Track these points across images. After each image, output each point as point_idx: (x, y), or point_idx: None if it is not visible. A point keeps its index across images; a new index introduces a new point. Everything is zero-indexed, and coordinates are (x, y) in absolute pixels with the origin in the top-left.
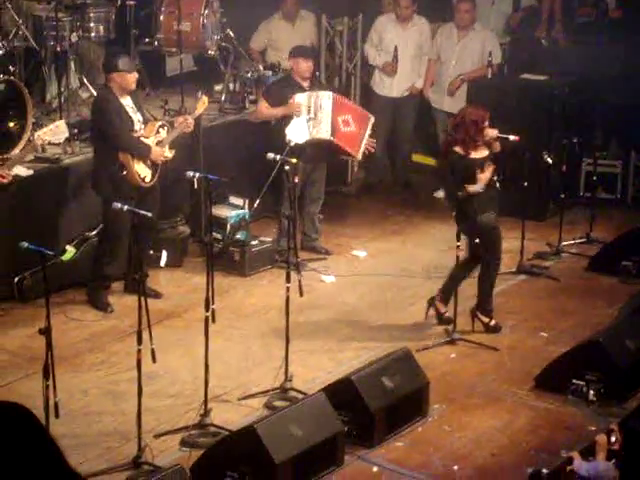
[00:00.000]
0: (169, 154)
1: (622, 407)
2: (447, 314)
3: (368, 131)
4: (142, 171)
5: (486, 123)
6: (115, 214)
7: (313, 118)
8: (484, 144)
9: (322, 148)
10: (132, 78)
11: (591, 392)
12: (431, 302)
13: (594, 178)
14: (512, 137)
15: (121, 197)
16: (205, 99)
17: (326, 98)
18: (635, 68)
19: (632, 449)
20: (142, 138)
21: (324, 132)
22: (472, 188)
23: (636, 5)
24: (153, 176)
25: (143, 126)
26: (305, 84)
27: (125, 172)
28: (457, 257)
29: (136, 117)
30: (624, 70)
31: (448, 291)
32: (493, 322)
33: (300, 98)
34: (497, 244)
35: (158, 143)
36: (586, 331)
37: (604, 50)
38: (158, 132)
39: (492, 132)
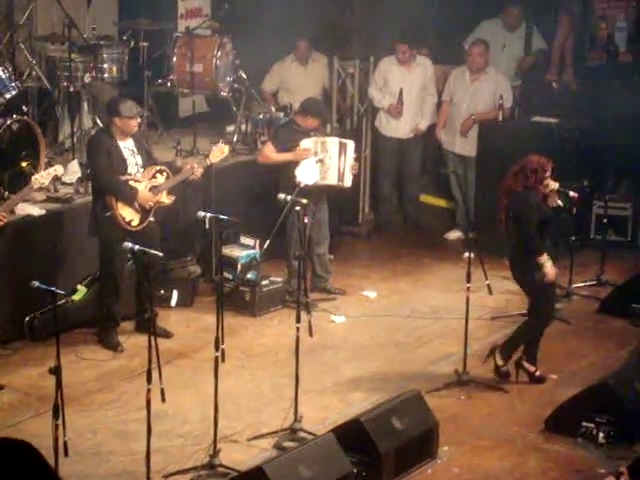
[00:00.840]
0: (166, 200)
1: (632, 450)
2: (504, 368)
3: (349, 157)
4: (127, 215)
5: (547, 173)
6: (106, 254)
7: (321, 162)
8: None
9: (321, 188)
10: (133, 123)
11: (601, 435)
12: (492, 353)
13: (604, 220)
14: (572, 193)
15: (108, 238)
16: (225, 148)
17: (333, 144)
18: None
19: None
20: (133, 182)
21: (332, 178)
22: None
23: None
24: (142, 220)
25: (141, 170)
26: (311, 132)
27: (109, 214)
28: (467, 298)
29: (134, 160)
30: (634, 113)
31: (510, 347)
32: (538, 372)
33: (307, 143)
34: (552, 299)
35: (152, 188)
36: (596, 374)
37: (615, 93)
38: (155, 177)
39: (553, 184)
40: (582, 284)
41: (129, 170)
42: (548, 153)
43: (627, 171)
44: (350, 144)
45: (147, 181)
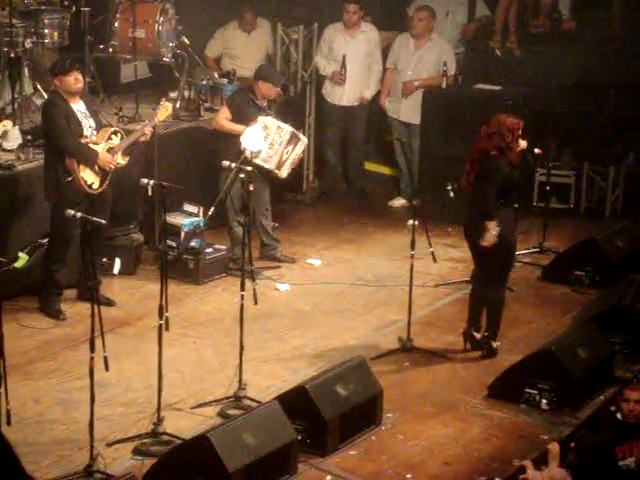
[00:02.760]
0: (122, 161)
1: (574, 416)
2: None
3: (296, 152)
4: (89, 177)
5: (520, 131)
6: (61, 220)
7: (268, 145)
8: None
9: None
10: (71, 79)
11: (544, 401)
12: (467, 335)
13: (547, 188)
14: (537, 150)
15: (68, 203)
16: (169, 106)
17: (284, 132)
18: (587, 79)
19: (584, 460)
20: (91, 144)
21: (272, 164)
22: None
23: (589, 16)
24: (102, 183)
25: (95, 132)
26: (263, 103)
27: (71, 178)
28: (411, 266)
29: (87, 123)
30: (577, 81)
31: (475, 317)
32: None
33: (266, 120)
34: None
35: (109, 150)
36: (539, 340)
37: (557, 61)
38: (110, 139)
39: (523, 143)
40: (525, 251)
41: (84, 133)
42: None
43: (570, 139)
44: (303, 141)
45: (104, 143)
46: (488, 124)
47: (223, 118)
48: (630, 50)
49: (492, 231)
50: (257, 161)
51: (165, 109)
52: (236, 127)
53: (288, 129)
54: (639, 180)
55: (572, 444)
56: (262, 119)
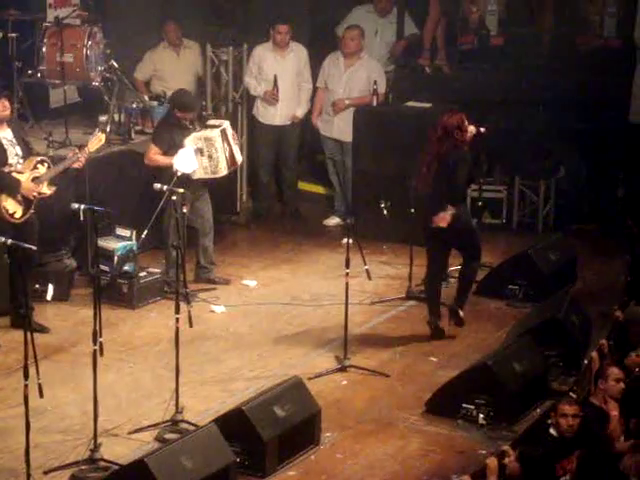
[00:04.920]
0: (47, 190)
1: (511, 430)
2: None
3: (231, 137)
4: (11, 207)
5: (466, 123)
6: None
7: (207, 158)
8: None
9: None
10: None
11: (481, 416)
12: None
13: (479, 203)
14: (482, 129)
15: None
16: (102, 136)
17: (217, 136)
18: (517, 94)
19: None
20: (15, 173)
21: (224, 169)
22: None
23: (516, 32)
24: (25, 212)
25: (22, 160)
26: (188, 123)
27: None
28: (347, 284)
29: (13, 151)
30: (506, 96)
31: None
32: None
33: (189, 142)
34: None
35: (34, 179)
36: (475, 355)
37: (487, 77)
38: (36, 168)
39: (471, 129)
40: (459, 267)
41: (9, 161)
42: (422, 138)
43: (501, 154)
44: (226, 124)
45: (29, 172)
46: (434, 129)
47: (154, 153)
48: (558, 65)
49: (448, 212)
50: (209, 177)
51: (98, 140)
52: (167, 159)
53: (214, 133)
54: (570, 194)
55: (506, 457)
56: (187, 140)
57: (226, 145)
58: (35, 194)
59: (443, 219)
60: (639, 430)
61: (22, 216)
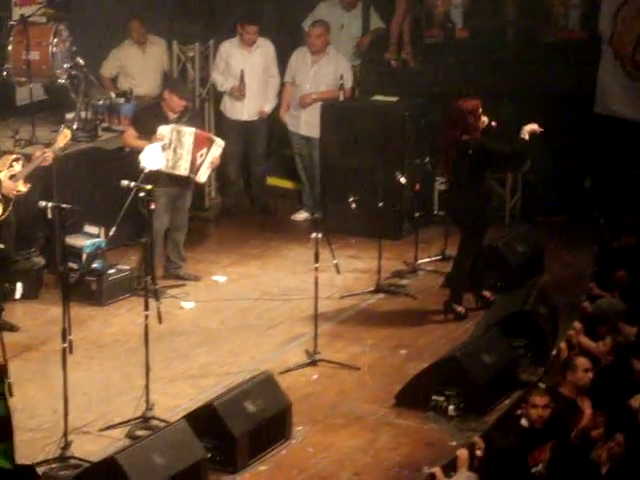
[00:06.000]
0: (23, 188)
1: (481, 421)
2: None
3: (212, 154)
4: None
5: (480, 110)
6: None
7: (172, 151)
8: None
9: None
10: None
11: (450, 407)
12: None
13: (447, 196)
14: (494, 123)
15: None
16: (68, 132)
17: (188, 135)
18: (482, 87)
19: (493, 462)
20: None
21: (182, 169)
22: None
23: (482, 25)
24: (4, 210)
25: None
26: (173, 116)
27: None
28: (316, 279)
29: None
30: (472, 89)
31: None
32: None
33: (163, 130)
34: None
35: (11, 177)
36: (444, 347)
37: (452, 70)
38: (12, 166)
39: (485, 118)
40: (427, 259)
41: None
42: (389, 132)
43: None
44: (219, 143)
45: (6, 170)
46: (450, 112)
47: (129, 135)
48: (524, 57)
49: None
50: (167, 170)
51: (64, 136)
52: (140, 143)
53: (190, 130)
54: (536, 186)
55: (477, 449)
56: (161, 128)
57: (205, 151)
58: (14, 192)
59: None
60: (609, 420)
61: (2, 214)
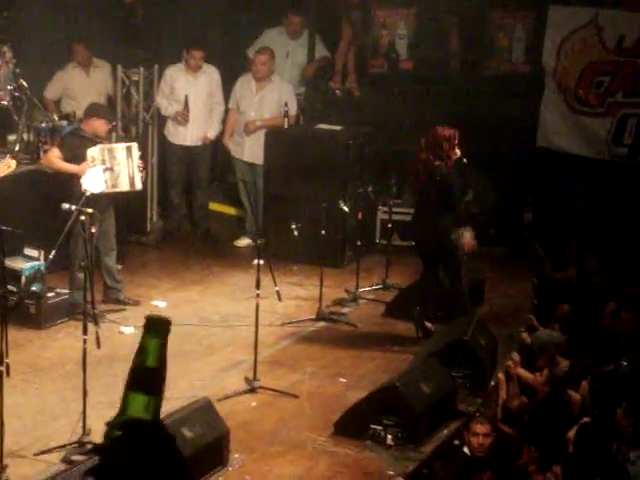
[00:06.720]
0: None
1: (419, 451)
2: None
3: (135, 159)
4: None
5: (456, 140)
6: None
7: (110, 170)
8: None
9: (108, 197)
10: None
11: (389, 436)
12: (419, 322)
13: (389, 225)
14: (465, 160)
15: None
16: (12, 163)
17: (120, 150)
18: (425, 117)
19: None
20: None
21: (124, 184)
22: None
23: (426, 56)
24: None
25: None
26: (98, 139)
27: None
28: (257, 305)
29: None
30: (416, 119)
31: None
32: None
33: (93, 152)
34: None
35: None
36: (384, 376)
37: (396, 100)
38: None
39: (457, 151)
40: (368, 288)
41: None
42: (333, 160)
43: (410, 176)
44: (134, 145)
45: None
46: (426, 137)
47: (55, 157)
48: (467, 89)
49: (467, 235)
50: (109, 190)
51: (7, 166)
52: (67, 166)
53: (119, 145)
54: (478, 217)
55: None
56: (91, 150)
57: (130, 162)
58: None
59: (470, 245)
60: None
61: None
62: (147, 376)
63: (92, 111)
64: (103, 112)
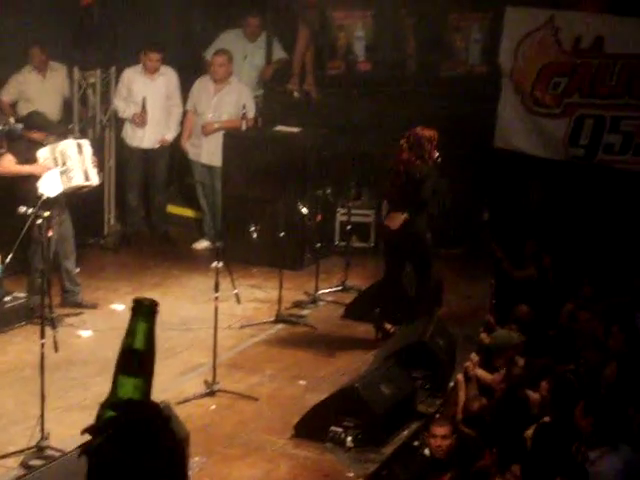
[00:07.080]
0: None
1: (379, 452)
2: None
3: (88, 155)
4: None
5: (436, 142)
6: None
7: (64, 170)
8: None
9: (61, 201)
10: None
11: (349, 438)
12: (378, 324)
13: (348, 227)
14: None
15: None
16: None
17: (71, 147)
18: (383, 119)
19: None
20: None
21: (79, 179)
22: None
23: (383, 58)
24: None
25: None
26: (45, 141)
27: None
28: (216, 308)
29: None
30: (373, 121)
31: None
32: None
33: (43, 153)
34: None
35: None
36: (344, 378)
37: (354, 101)
38: None
39: (437, 153)
40: (327, 290)
41: None
42: (291, 162)
43: (368, 179)
44: (85, 142)
45: None
46: (407, 137)
47: (11, 161)
48: (424, 91)
49: (402, 216)
50: (66, 189)
51: None
52: (23, 168)
53: (69, 142)
54: (436, 218)
55: None
56: (41, 151)
57: (82, 157)
58: None
59: (393, 219)
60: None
61: None
62: (136, 358)
63: (32, 124)
64: (43, 124)
